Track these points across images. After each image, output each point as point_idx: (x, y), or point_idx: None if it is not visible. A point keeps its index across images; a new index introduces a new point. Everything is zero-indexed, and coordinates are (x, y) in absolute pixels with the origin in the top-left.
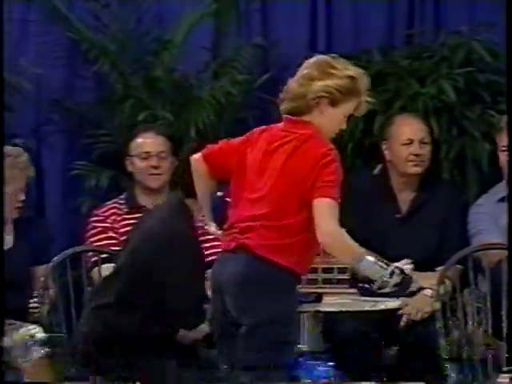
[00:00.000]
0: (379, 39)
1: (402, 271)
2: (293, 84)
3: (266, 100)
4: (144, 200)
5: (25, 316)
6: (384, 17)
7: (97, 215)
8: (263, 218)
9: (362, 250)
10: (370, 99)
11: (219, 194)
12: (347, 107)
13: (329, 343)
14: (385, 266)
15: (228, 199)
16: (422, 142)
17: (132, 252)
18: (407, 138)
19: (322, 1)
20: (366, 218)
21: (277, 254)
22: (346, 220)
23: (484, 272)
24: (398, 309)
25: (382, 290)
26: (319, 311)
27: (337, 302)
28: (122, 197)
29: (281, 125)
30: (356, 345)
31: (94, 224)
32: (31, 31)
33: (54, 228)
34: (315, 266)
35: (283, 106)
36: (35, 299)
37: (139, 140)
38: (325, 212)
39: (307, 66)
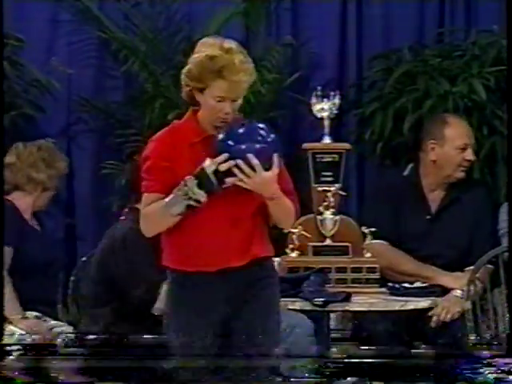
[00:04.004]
0: (409, 38)
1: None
2: None
3: (296, 99)
4: None
5: (56, 304)
6: (414, 16)
7: None
8: None
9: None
10: (244, 78)
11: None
12: (212, 91)
13: (357, 342)
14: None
15: None
16: (472, 148)
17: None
18: (464, 143)
19: None
20: (397, 218)
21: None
22: (376, 219)
23: None
24: (428, 309)
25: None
26: (348, 311)
27: (366, 301)
28: None
29: None
30: (385, 344)
31: None
32: (62, 31)
33: (84, 227)
34: (344, 265)
35: None
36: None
37: None
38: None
39: None
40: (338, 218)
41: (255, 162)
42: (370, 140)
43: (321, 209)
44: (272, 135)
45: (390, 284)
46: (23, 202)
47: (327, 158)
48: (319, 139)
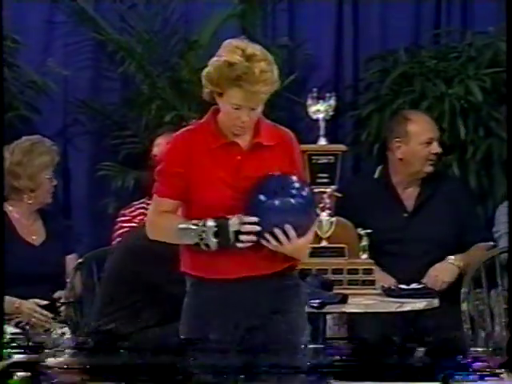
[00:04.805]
0: (406, 39)
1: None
2: None
3: (292, 101)
4: None
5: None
6: (410, 17)
7: (124, 215)
8: None
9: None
10: (262, 89)
11: None
12: (229, 98)
13: (353, 344)
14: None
15: None
16: (438, 141)
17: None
18: (429, 138)
19: (349, 1)
20: (375, 220)
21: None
22: (358, 224)
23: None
24: (425, 310)
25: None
26: (344, 312)
27: (362, 303)
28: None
29: None
30: (381, 346)
31: (121, 224)
32: (58, 32)
33: (81, 229)
34: (341, 267)
35: None
36: (62, 294)
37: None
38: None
39: None
40: (333, 219)
41: (292, 234)
42: (367, 141)
43: (317, 210)
44: (306, 188)
45: (386, 285)
46: (15, 211)
47: (323, 160)
48: (315, 141)
